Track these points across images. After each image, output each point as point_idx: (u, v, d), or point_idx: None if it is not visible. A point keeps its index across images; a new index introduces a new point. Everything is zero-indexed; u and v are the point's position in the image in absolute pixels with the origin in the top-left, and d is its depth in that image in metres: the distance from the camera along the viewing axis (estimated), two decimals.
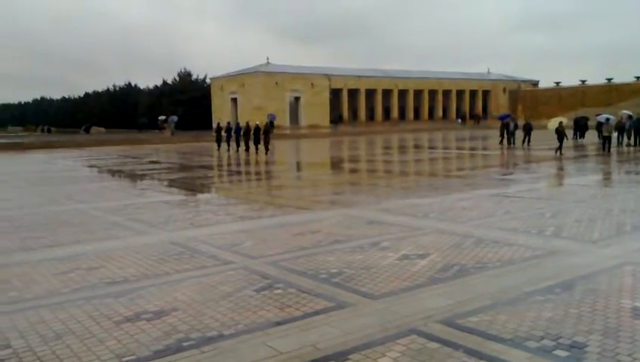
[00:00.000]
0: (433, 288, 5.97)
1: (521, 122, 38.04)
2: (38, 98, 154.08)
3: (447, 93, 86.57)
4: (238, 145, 33.22)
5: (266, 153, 29.77)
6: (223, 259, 7.43)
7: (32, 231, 9.61)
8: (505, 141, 32.52)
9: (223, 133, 34.43)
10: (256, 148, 30.93)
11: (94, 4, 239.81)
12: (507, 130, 32.72)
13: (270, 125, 53.49)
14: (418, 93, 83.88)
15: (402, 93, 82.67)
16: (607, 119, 28.55)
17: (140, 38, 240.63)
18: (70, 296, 5.97)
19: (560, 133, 25.33)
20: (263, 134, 30.89)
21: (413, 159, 25.94)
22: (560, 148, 24.80)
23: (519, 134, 33.05)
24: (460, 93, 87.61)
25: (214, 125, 37.47)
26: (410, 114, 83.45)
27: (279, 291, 5.95)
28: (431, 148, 33.97)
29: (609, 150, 26.18)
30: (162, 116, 63.30)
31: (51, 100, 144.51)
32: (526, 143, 31.30)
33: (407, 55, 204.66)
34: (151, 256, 7.61)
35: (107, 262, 7.33)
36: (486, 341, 4.55)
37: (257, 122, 33.01)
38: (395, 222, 9.67)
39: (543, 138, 33.60)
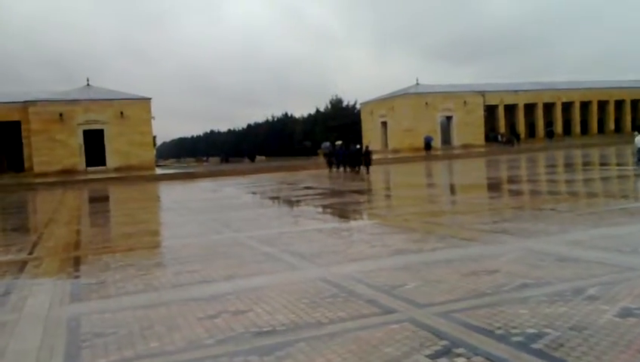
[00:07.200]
0: None
1: None
2: (208, 131, 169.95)
3: (619, 104, 77.52)
4: (344, 167, 37.60)
5: (367, 173, 33.48)
6: (383, 305, 6.25)
7: (186, 265, 9.32)
8: None
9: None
10: (358, 169, 35.61)
11: (251, 43, 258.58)
12: None
13: (427, 146, 54.78)
14: (585, 105, 76.21)
15: (566, 106, 75.74)
16: None
17: (295, 70, 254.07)
18: (213, 349, 5.20)
19: None
20: (363, 156, 35.32)
21: (589, 178, 22.65)
22: None
23: None
24: (635, 103, 77.90)
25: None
26: (577, 128, 76.03)
27: (461, 359, 4.57)
28: (602, 165, 29.75)
29: None
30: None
31: (219, 133, 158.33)
32: None
33: (568, 66, 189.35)
34: (302, 299, 6.69)
35: (256, 305, 6.56)
36: None
37: (357, 145, 39.59)
38: (596, 259, 7.71)
39: None
